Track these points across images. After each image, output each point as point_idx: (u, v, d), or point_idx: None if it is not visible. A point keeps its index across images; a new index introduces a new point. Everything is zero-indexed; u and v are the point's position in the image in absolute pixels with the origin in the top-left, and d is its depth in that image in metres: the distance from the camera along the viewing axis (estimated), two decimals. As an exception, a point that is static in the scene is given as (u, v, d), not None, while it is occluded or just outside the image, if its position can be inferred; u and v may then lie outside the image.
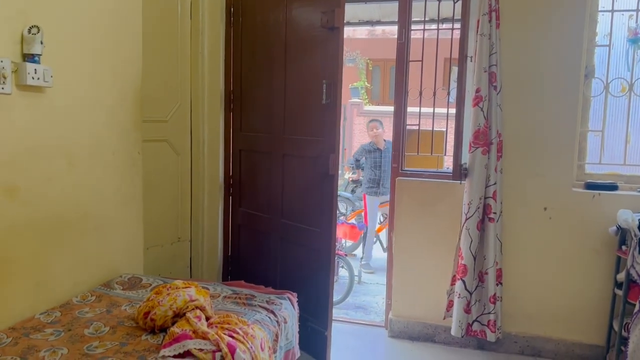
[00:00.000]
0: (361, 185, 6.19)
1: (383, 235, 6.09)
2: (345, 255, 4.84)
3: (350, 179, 6.79)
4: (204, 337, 1.93)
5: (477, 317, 3.22)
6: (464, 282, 3.15)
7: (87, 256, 2.56)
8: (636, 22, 3.14)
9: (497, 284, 3.16)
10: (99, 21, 2.55)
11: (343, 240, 5.32)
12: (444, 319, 3.32)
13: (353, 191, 7.38)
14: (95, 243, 2.61)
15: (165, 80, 3.39)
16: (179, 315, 2.08)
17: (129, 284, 2.62)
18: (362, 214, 5.95)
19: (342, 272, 4.96)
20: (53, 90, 2.26)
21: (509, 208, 3.24)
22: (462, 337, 3.24)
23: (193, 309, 2.09)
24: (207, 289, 2.55)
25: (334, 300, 4.02)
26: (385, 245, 5.92)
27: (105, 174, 2.66)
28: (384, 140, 5.76)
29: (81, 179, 2.49)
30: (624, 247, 2.93)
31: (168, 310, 2.06)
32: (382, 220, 5.92)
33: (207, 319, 2.10)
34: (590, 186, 3.17)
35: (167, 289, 2.17)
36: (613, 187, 3.14)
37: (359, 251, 5.93)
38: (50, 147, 2.29)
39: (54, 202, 2.33)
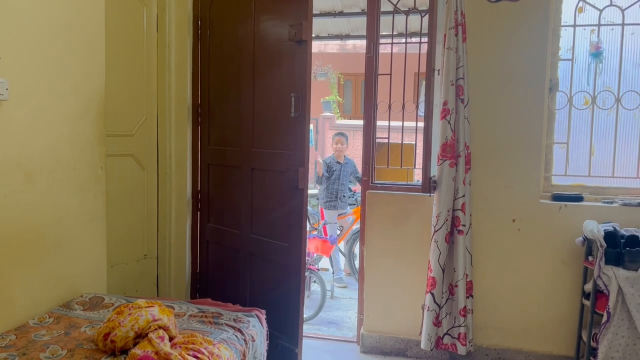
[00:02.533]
0: (318, 199, 6.18)
1: (341, 246, 6.05)
2: (318, 269, 4.78)
3: None
4: (166, 358, 1.86)
5: (447, 330, 3.21)
6: (432, 294, 3.14)
7: (45, 276, 2.45)
8: (597, 36, 3.22)
9: (467, 297, 3.16)
10: (58, 33, 2.47)
11: (315, 255, 5.27)
12: (420, 334, 3.29)
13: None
14: (55, 262, 2.51)
15: (130, 94, 3.32)
16: (141, 336, 2.00)
17: (90, 304, 2.52)
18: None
19: (315, 287, 4.91)
20: (9, 104, 2.18)
21: (478, 220, 3.25)
22: (432, 350, 3.22)
23: (156, 329, 2.02)
24: (172, 307, 2.47)
25: (306, 316, 3.97)
26: (346, 255, 5.90)
27: (66, 190, 2.57)
28: (344, 156, 5.80)
29: (40, 195, 2.40)
30: (590, 258, 2.97)
31: (129, 330, 1.98)
32: (339, 233, 5.91)
33: (171, 339, 2.03)
34: (556, 197, 3.21)
35: (129, 309, 2.09)
36: (579, 199, 3.18)
37: (323, 264, 5.87)
38: (5, 162, 2.20)
39: (9, 220, 2.23)
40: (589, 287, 2.96)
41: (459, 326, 3.17)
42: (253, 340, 2.34)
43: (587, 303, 2.97)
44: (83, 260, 2.72)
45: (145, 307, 2.10)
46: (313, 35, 2.93)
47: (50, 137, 2.45)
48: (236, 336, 2.26)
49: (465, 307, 3.15)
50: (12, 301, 2.27)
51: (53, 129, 2.47)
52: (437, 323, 3.18)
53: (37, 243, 2.39)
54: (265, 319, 2.62)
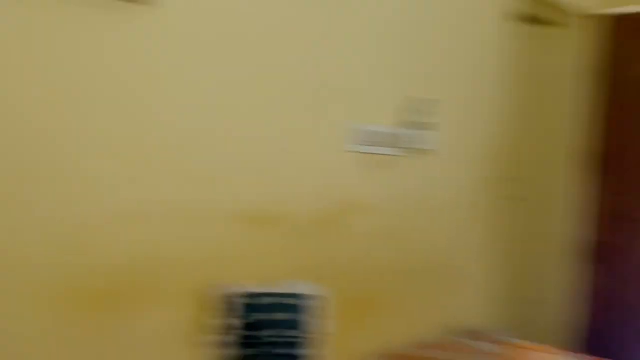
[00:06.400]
0: None
1: None
2: None
3: None
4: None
5: None
6: None
7: (434, 305, 2.68)
8: None
9: None
10: (474, 88, 2.76)
11: None
12: None
13: None
14: (442, 292, 2.72)
15: (524, 137, 3.36)
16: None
17: (474, 336, 2.63)
18: None
19: None
20: (436, 153, 2.54)
21: None
22: None
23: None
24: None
25: None
26: None
27: (460, 227, 2.78)
28: None
29: (439, 230, 2.66)
30: None
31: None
32: None
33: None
34: None
35: (522, 350, 2.08)
36: None
37: None
38: (424, 199, 2.55)
39: (416, 249, 2.54)
40: None
41: None
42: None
43: None
44: (467, 294, 2.89)
45: (539, 351, 2.06)
46: None
47: (455, 179, 2.73)
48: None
49: None
50: (413, 323, 2.56)
51: (458, 171, 2.74)
52: None
53: (432, 273, 2.64)
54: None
